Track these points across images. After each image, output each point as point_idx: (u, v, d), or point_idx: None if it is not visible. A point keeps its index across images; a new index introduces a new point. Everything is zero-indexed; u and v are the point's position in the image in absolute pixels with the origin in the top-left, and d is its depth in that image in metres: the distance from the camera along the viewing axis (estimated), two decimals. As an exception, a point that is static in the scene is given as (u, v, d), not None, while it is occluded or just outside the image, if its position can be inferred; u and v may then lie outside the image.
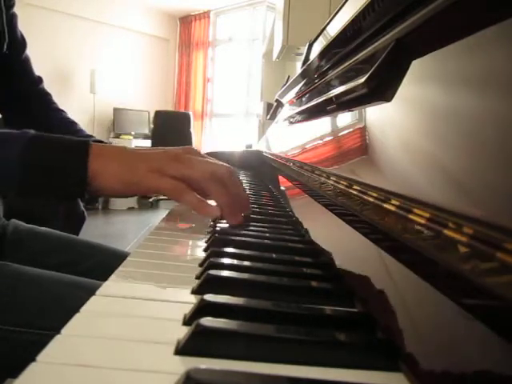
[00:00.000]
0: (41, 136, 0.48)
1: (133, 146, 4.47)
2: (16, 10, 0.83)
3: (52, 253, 0.75)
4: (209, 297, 0.26)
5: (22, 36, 0.86)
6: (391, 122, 0.34)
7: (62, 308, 0.52)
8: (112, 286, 0.30)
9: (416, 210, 0.23)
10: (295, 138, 0.82)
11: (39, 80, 0.92)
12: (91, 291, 0.28)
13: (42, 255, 0.74)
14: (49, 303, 0.53)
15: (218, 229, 0.49)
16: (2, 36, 0.77)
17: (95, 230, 3.34)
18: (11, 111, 0.88)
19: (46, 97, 0.93)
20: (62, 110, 0.93)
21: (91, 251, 0.78)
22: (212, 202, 0.51)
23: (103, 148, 0.49)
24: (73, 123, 0.90)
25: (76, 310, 0.25)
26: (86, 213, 1.41)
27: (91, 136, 0.88)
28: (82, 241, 0.82)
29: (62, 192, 0.47)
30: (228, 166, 0.52)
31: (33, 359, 0.19)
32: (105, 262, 0.75)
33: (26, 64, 0.88)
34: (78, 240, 0.82)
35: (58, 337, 0.22)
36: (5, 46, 0.78)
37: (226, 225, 0.51)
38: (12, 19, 0.82)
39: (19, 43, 0.85)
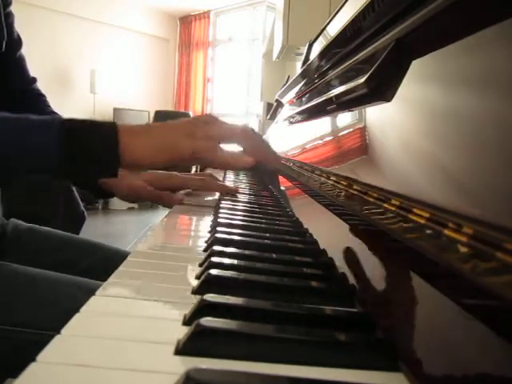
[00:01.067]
0: (71, 119, 0.49)
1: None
2: (15, 10, 0.83)
3: (52, 251, 0.75)
4: (209, 297, 0.26)
5: (18, 35, 0.86)
6: (391, 122, 0.34)
7: (61, 308, 0.52)
8: (112, 285, 0.30)
9: (416, 210, 0.23)
10: (295, 138, 0.82)
11: (33, 80, 0.91)
12: (91, 291, 0.28)
13: (42, 254, 0.74)
14: (49, 303, 0.53)
15: (218, 229, 0.49)
16: (1, 34, 0.77)
17: (95, 230, 3.34)
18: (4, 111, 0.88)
19: (41, 97, 0.92)
20: (56, 113, 0.92)
21: (91, 250, 0.78)
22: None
23: (130, 125, 0.52)
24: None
25: (76, 309, 0.25)
26: (85, 213, 1.42)
27: None
28: (82, 239, 0.82)
29: (97, 167, 0.49)
30: (248, 126, 0.58)
31: (33, 359, 0.19)
32: (105, 261, 0.75)
33: (20, 63, 0.88)
34: (78, 239, 0.82)
35: (57, 337, 0.22)
36: (3, 45, 0.78)
37: (226, 224, 0.51)
38: (9, 18, 0.82)
39: (15, 42, 0.85)
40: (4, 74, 0.84)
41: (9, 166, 0.47)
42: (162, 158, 0.51)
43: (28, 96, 0.89)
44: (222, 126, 0.54)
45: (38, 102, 0.91)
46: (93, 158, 0.48)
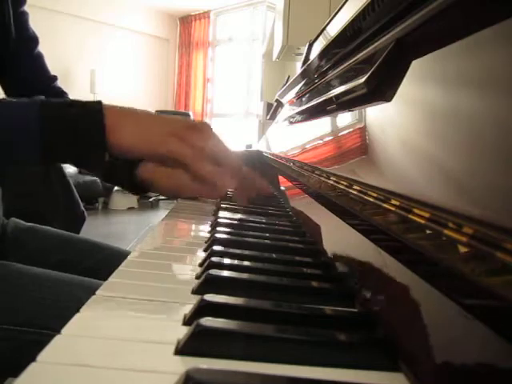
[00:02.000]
0: (51, 100, 0.47)
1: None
2: None
3: (52, 251, 0.75)
4: (209, 297, 0.26)
5: (34, 33, 0.85)
6: (391, 121, 0.34)
7: (62, 308, 0.52)
8: (112, 285, 0.30)
9: (416, 210, 0.23)
10: (295, 138, 0.82)
11: (54, 78, 0.91)
12: (91, 291, 0.28)
13: (43, 253, 0.74)
14: (49, 303, 0.53)
15: (218, 229, 0.49)
16: (7, 33, 0.77)
17: (95, 230, 3.34)
18: None
19: (62, 95, 0.91)
20: None
21: (92, 249, 0.78)
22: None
23: (118, 107, 0.49)
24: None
25: (77, 309, 0.25)
26: (86, 213, 1.42)
27: None
28: (83, 239, 0.82)
29: (83, 149, 0.46)
30: (239, 163, 0.53)
31: (33, 359, 0.19)
32: (105, 260, 0.75)
33: (39, 60, 0.87)
34: (78, 238, 0.82)
35: (58, 337, 0.22)
36: (10, 43, 0.78)
37: (226, 224, 0.51)
38: (22, 17, 0.82)
39: (30, 40, 0.84)
40: (19, 72, 0.83)
41: None
42: (144, 150, 0.48)
43: (53, 93, 0.88)
44: (214, 140, 0.50)
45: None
46: (76, 137, 0.45)
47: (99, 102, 0.47)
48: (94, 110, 0.46)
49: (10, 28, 0.77)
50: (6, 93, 0.85)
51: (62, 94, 0.90)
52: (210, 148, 0.49)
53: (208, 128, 0.51)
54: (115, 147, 0.47)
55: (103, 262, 0.74)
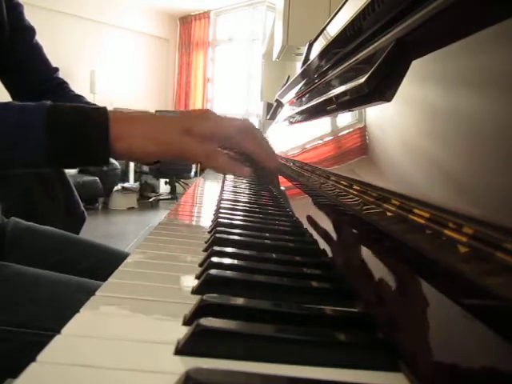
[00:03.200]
0: (59, 104, 0.47)
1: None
2: None
3: (51, 251, 0.75)
4: (209, 297, 0.26)
5: (30, 24, 0.85)
6: (391, 121, 0.34)
7: (60, 308, 0.52)
8: (112, 285, 0.30)
9: (416, 210, 0.23)
10: (295, 137, 0.82)
11: (56, 69, 0.91)
12: (91, 291, 0.28)
13: (42, 253, 0.74)
14: (49, 303, 0.53)
15: (218, 228, 0.49)
16: (1, 24, 0.77)
17: (95, 230, 3.34)
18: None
19: (65, 85, 0.91)
20: (82, 96, 0.91)
21: (91, 250, 0.78)
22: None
23: (124, 113, 0.48)
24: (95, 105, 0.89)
25: (76, 310, 0.25)
26: (86, 213, 1.42)
27: None
28: (82, 240, 0.82)
29: (87, 155, 0.46)
30: (248, 121, 0.52)
31: (33, 359, 0.19)
32: (104, 261, 0.74)
33: (39, 50, 0.87)
34: (78, 239, 0.82)
35: (58, 337, 0.22)
36: (4, 34, 0.78)
37: (226, 224, 0.51)
38: (16, 8, 0.82)
39: (27, 30, 0.84)
40: (21, 64, 0.83)
41: None
42: (154, 152, 0.47)
43: (54, 84, 0.88)
44: (222, 123, 0.49)
45: (64, 89, 0.90)
46: (80, 146, 0.45)
47: (105, 110, 0.46)
48: (99, 118, 0.46)
49: (3, 19, 0.77)
50: (6, 86, 0.85)
51: (63, 84, 0.90)
52: (220, 132, 0.49)
53: (210, 114, 0.50)
54: (123, 155, 0.47)
55: (102, 262, 0.74)
